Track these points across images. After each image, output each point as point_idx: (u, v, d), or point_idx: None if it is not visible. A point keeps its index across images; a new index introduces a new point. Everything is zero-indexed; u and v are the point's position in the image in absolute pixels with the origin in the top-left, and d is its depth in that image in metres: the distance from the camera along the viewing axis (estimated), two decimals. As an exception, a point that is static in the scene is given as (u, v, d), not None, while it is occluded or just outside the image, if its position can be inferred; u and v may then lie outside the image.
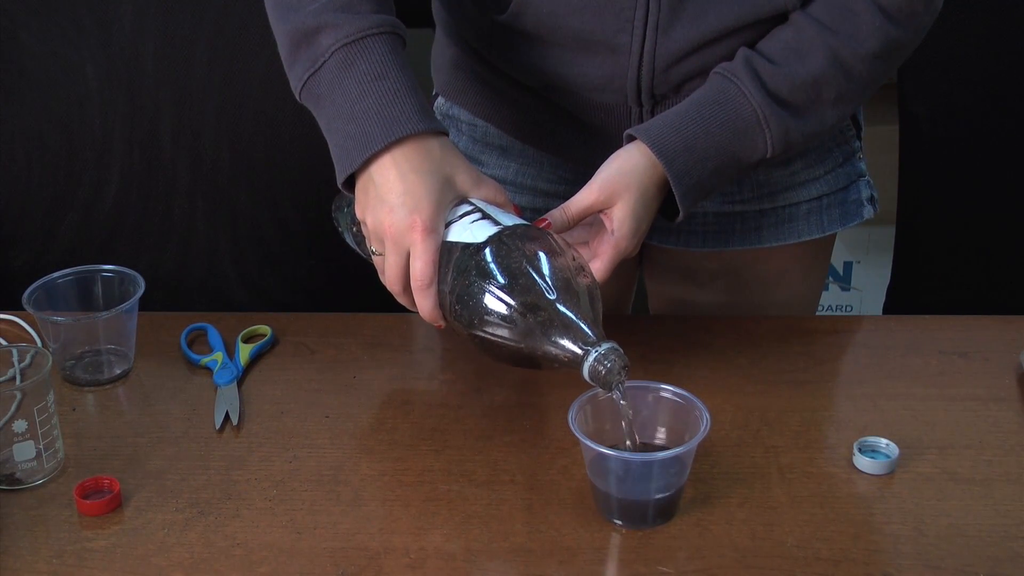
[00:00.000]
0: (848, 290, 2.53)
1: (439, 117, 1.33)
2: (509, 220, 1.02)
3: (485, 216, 1.03)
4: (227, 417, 1.14)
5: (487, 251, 0.99)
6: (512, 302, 0.96)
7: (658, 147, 1.07)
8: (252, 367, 1.22)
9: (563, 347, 0.96)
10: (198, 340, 1.27)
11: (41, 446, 1.05)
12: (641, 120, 1.18)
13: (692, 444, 0.97)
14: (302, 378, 1.21)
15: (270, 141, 1.64)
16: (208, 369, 1.21)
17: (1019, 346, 1.22)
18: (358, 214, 1.06)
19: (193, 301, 1.69)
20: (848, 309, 2.53)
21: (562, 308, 0.96)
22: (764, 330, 1.28)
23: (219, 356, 1.22)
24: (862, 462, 1.06)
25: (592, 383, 0.96)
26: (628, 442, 0.99)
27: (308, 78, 1.07)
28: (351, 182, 1.07)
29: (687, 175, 1.08)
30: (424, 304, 1.02)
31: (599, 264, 1.07)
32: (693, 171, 1.08)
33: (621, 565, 0.97)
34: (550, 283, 0.97)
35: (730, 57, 1.13)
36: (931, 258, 1.77)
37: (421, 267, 1.01)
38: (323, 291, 1.73)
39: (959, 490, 1.04)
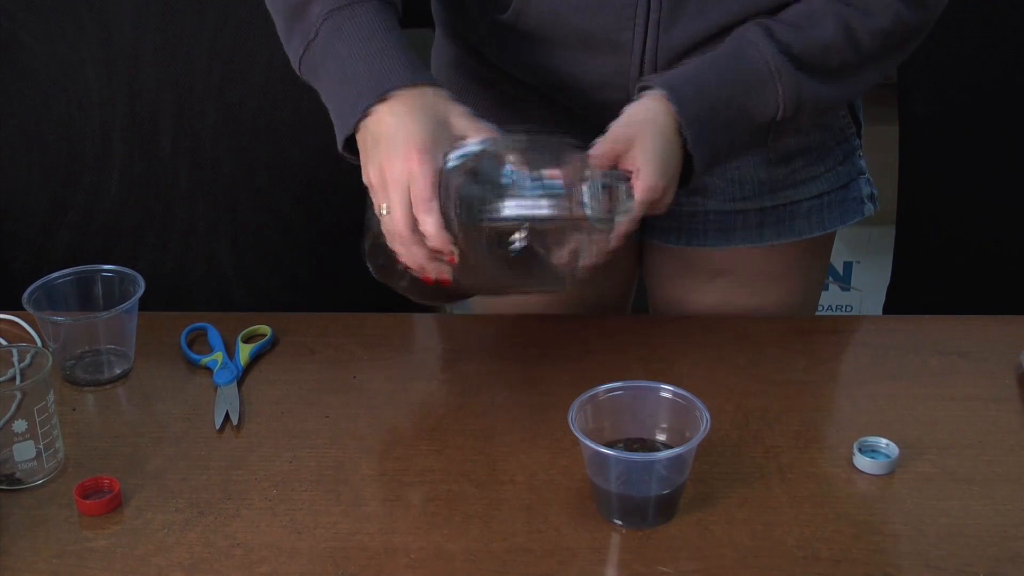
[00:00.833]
0: (848, 290, 2.53)
1: None
2: None
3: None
4: (227, 417, 1.14)
5: (485, 144, 0.98)
6: (512, 174, 0.97)
7: (670, 90, 1.06)
8: (252, 367, 1.22)
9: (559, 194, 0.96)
10: (198, 340, 1.27)
11: (41, 446, 1.05)
12: None
13: (692, 444, 0.97)
14: (302, 378, 1.21)
15: (270, 141, 1.64)
16: (208, 369, 1.21)
17: (1019, 346, 1.22)
18: (364, 178, 1.05)
19: (193, 301, 1.69)
20: (848, 309, 2.53)
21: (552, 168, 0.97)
22: (764, 330, 1.28)
23: (219, 356, 1.22)
24: (862, 462, 1.06)
25: (592, 205, 0.97)
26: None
27: (304, 52, 1.08)
28: (353, 149, 1.06)
29: (698, 121, 1.07)
30: (428, 224, 0.99)
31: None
32: (704, 119, 1.07)
33: (621, 565, 0.97)
34: (548, 156, 0.97)
35: None
36: (931, 258, 1.77)
37: (421, 185, 0.98)
38: (323, 291, 1.73)
39: (959, 490, 1.04)
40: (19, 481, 1.05)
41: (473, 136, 1.03)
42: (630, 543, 0.98)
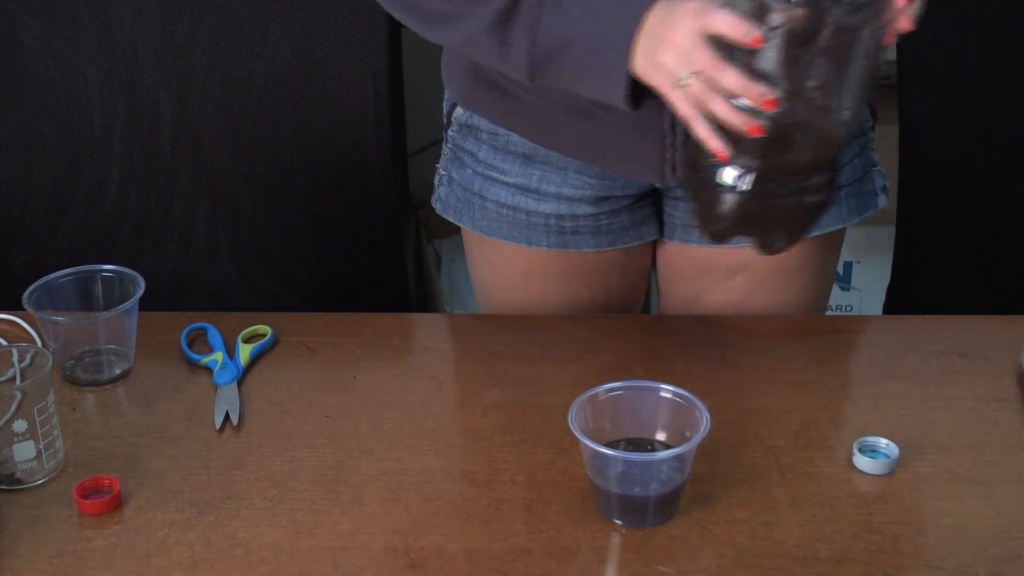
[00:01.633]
0: (848, 290, 2.52)
1: (456, 127, 1.33)
2: None
3: None
4: (227, 417, 1.14)
5: None
6: None
7: None
8: (252, 367, 1.22)
9: None
10: (198, 340, 1.27)
11: (41, 446, 1.05)
12: (672, 117, 1.17)
13: (692, 444, 0.97)
14: (302, 378, 1.21)
15: (270, 141, 1.64)
16: (208, 369, 1.21)
17: (1019, 346, 1.22)
18: (656, 81, 1.03)
19: (193, 301, 1.69)
20: (848, 309, 2.53)
21: None
22: (764, 330, 1.28)
23: (219, 356, 1.22)
24: (862, 462, 1.06)
25: None
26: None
27: (533, 45, 1.07)
28: (636, 98, 1.06)
29: None
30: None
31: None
32: None
33: (621, 565, 0.97)
34: None
35: None
36: (931, 258, 1.77)
37: (728, 18, 0.96)
38: (323, 291, 1.73)
39: (959, 490, 1.04)
40: (19, 481, 1.05)
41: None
42: (630, 543, 0.98)
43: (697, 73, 0.99)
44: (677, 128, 1.17)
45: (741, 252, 1.32)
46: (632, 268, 1.38)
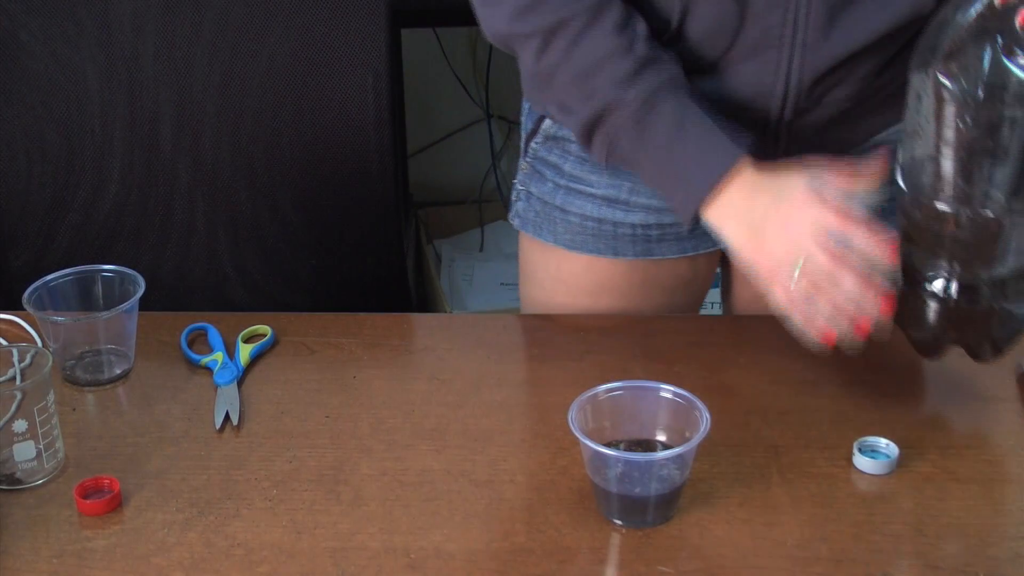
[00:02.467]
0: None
1: (542, 139, 1.31)
2: None
3: None
4: (227, 417, 1.14)
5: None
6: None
7: None
8: (252, 367, 1.22)
9: None
10: (198, 340, 1.27)
11: (41, 446, 1.05)
12: (778, 132, 1.19)
13: (692, 444, 0.97)
14: (302, 378, 1.21)
15: (270, 141, 1.64)
16: (208, 369, 1.21)
17: (1019, 346, 1.22)
18: (758, 260, 1.07)
19: (193, 301, 1.69)
20: (848, 309, 2.53)
21: None
22: (765, 330, 1.27)
23: (219, 356, 1.22)
24: (862, 462, 1.06)
25: None
26: None
27: (607, 159, 1.14)
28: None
29: None
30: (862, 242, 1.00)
31: None
32: None
33: (621, 565, 0.97)
34: None
35: (874, 69, 1.15)
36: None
37: (868, 242, 1.00)
38: (323, 291, 1.73)
39: (959, 490, 1.04)
40: (19, 481, 1.05)
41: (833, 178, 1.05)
42: (630, 543, 0.98)
43: (809, 271, 1.02)
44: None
45: None
46: (696, 280, 1.37)
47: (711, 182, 1.07)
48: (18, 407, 1.03)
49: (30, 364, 1.13)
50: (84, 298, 1.23)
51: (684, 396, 1.02)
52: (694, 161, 1.09)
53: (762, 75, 1.15)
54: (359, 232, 1.71)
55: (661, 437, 1.04)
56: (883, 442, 1.08)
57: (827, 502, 1.02)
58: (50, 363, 1.05)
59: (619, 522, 1.00)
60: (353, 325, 1.29)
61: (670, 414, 1.03)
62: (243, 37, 1.58)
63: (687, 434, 1.01)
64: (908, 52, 1.15)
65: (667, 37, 1.15)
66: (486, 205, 2.74)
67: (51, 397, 1.05)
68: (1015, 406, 1.15)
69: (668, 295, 1.36)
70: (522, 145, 1.34)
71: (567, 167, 1.29)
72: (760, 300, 1.36)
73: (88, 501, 1.02)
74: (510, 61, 1.18)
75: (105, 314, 1.19)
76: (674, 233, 1.30)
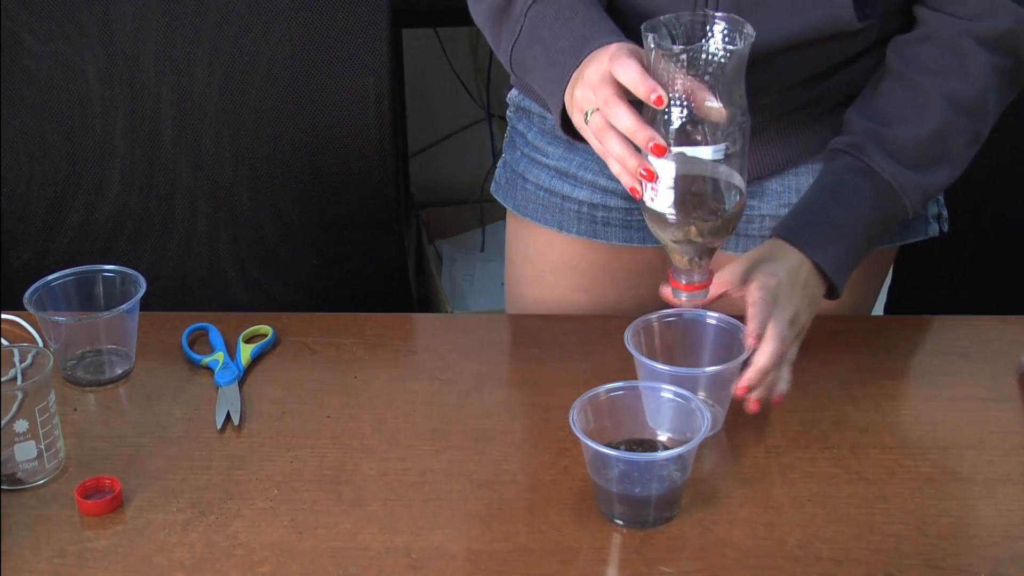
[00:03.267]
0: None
1: (513, 108, 1.36)
2: None
3: None
4: (228, 417, 1.14)
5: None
6: None
7: (815, 253, 1.12)
8: (253, 367, 1.22)
9: None
10: (199, 340, 1.27)
11: (42, 446, 1.05)
12: None
13: (693, 444, 0.98)
14: (303, 378, 1.21)
15: (271, 141, 1.64)
16: (209, 369, 1.21)
17: (1020, 346, 1.22)
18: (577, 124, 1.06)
19: (194, 301, 1.69)
20: (849, 309, 2.53)
21: None
22: (765, 330, 1.27)
23: (220, 356, 1.22)
24: None
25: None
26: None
27: (512, 47, 1.13)
28: (572, 128, 1.08)
29: (843, 265, 1.13)
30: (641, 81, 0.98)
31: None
32: (848, 258, 1.14)
33: (622, 565, 0.97)
34: None
35: (792, 72, 1.15)
36: (931, 258, 1.77)
37: (633, 73, 0.98)
38: (324, 291, 1.73)
39: (960, 490, 1.04)
40: (20, 481, 1.05)
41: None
42: (631, 543, 0.98)
43: (597, 110, 1.01)
44: None
45: None
46: (652, 270, 1.37)
47: (581, 57, 1.06)
48: (19, 407, 1.03)
49: (31, 364, 1.13)
50: (85, 298, 1.23)
51: (684, 396, 1.03)
52: (564, 54, 1.08)
53: None
54: (360, 232, 1.71)
55: (662, 437, 1.05)
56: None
57: (828, 502, 1.02)
58: (51, 363, 1.05)
59: (620, 522, 1.00)
60: (354, 325, 1.29)
61: (671, 414, 1.04)
62: (244, 37, 1.58)
63: (688, 434, 1.01)
64: (835, 75, 1.16)
65: None
66: (487, 205, 2.74)
67: (52, 397, 1.05)
68: (1016, 406, 1.15)
69: (626, 289, 1.36)
70: (507, 114, 1.40)
71: (530, 136, 1.34)
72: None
73: (89, 501, 1.02)
74: (511, 61, 1.18)
75: (106, 314, 1.19)
76: (619, 220, 1.32)
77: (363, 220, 1.70)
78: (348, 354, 1.24)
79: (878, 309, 1.86)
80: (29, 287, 1.20)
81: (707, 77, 0.97)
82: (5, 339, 1.24)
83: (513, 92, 1.37)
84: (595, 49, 1.04)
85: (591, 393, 1.02)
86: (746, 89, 1.10)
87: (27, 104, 1.61)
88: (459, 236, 2.76)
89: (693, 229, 1.02)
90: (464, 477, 1.06)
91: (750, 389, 1.06)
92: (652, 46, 0.97)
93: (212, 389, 1.19)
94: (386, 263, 1.74)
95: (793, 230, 1.13)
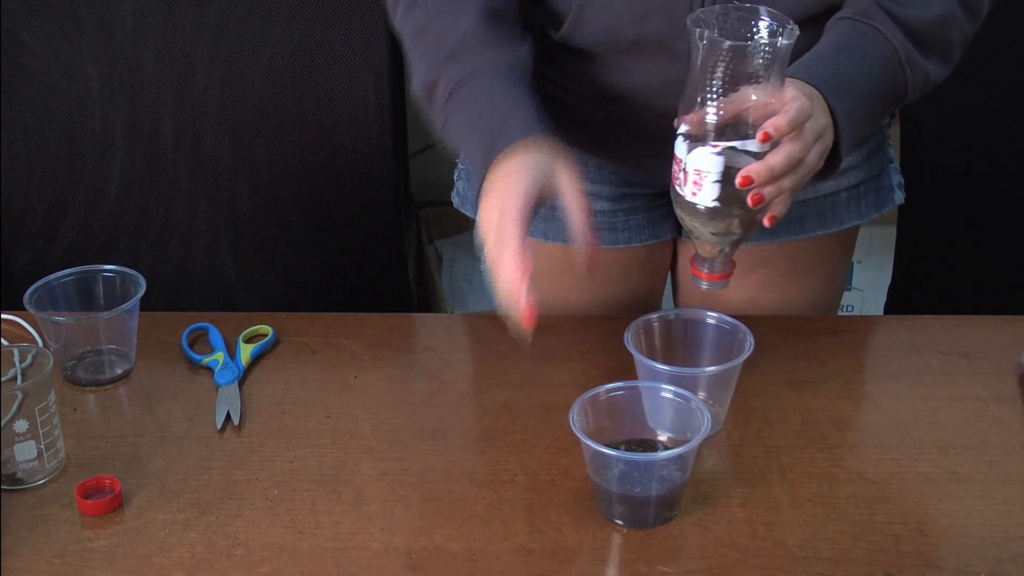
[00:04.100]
0: (848, 290, 2.52)
1: None
2: None
3: None
4: (228, 417, 1.14)
5: None
6: None
7: (824, 85, 1.06)
8: (253, 367, 1.22)
9: None
10: (199, 340, 1.27)
11: (42, 446, 1.05)
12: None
13: (693, 444, 0.98)
14: (303, 378, 1.21)
15: (271, 141, 1.64)
16: (209, 369, 1.21)
17: (1020, 346, 1.22)
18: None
19: (194, 301, 1.69)
20: (849, 309, 2.53)
21: None
22: (764, 330, 1.27)
23: (220, 356, 1.22)
24: None
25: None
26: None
27: (441, 130, 1.13)
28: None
29: (850, 117, 1.08)
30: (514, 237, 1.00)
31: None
32: (854, 112, 1.08)
33: (622, 565, 0.97)
34: None
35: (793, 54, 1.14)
36: (931, 258, 1.77)
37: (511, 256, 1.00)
38: (324, 291, 1.73)
39: (960, 490, 1.04)
40: (20, 481, 1.05)
41: (568, 189, 1.04)
42: (631, 543, 0.98)
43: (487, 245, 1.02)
44: None
45: (757, 250, 1.32)
46: (653, 265, 1.38)
47: (490, 158, 1.06)
48: (19, 407, 1.04)
49: (31, 364, 1.13)
50: (85, 298, 1.23)
51: (685, 396, 1.03)
52: (476, 157, 1.08)
53: (665, 71, 1.15)
54: (360, 232, 1.71)
55: (662, 437, 1.05)
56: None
57: (827, 502, 1.02)
58: (51, 363, 1.05)
59: (620, 522, 1.00)
60: (354, 325, 1.29)
61: (671, 414, 1.04)
62: (244, 36, 1.59)
63: (688, 434, 1.01)
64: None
65: (563, 31, 1.16)
66: (487, 205, 2.74)
67: (52, 397, 1.05)
68: (1016, 406, 1.15)
69: (619, 285, 1.36)
70: None
71: None
72: (711, 298, 1.37)
73: (89, 501, 1.02)
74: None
75: (106, 314, 1.19)
76: (604, 223, 1.31)
77: (363, 220, 1.70)
78: (348, 354, 1.24)
79: (878, 309, 1.87)
80: (29, 287, 1.20)
81: (756, 71, 0.98)
82: (5, 339, 1.24)
83: None
84: (502, 149, 1.04)
85: (591, 393, 1.02)
86: None
87: (27, 104, 1.62)
88: (459, 236, 2.75)
89: (736, 222, 1.02)
90: (464, 477, 1.06)
91: (752, 181, 1.00)
92: (703, 41, 0.98)
93: (212, 389, 1.19)
94: (386, 263, 1.74)
95: (811, 75, 1.08)
